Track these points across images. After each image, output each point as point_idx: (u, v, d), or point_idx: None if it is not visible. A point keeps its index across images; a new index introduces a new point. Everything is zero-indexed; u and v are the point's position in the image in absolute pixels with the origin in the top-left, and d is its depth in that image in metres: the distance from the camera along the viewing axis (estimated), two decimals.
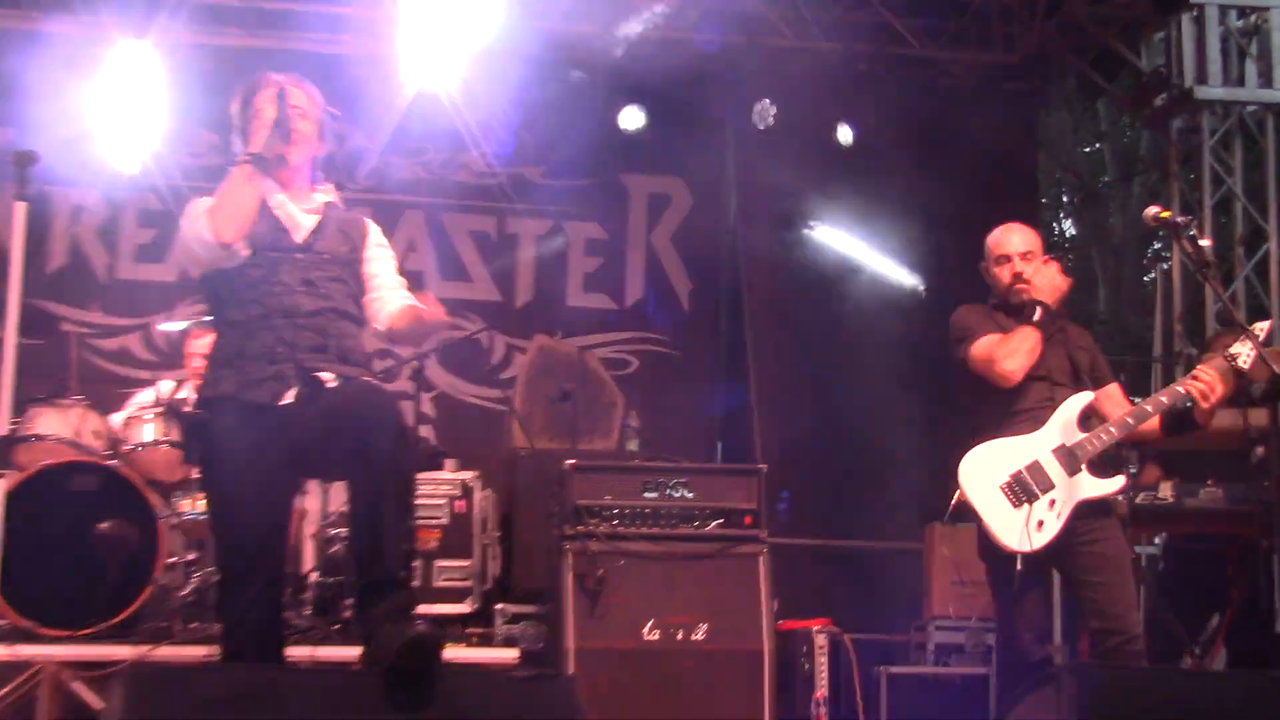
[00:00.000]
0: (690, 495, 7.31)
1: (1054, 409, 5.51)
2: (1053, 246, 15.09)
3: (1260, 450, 7.02)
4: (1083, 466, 5.43)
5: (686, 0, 9.31)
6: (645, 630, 7.01)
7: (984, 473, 5.44)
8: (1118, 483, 5.52)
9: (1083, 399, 5.56)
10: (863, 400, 9.65)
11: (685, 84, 9.79)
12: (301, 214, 4.97)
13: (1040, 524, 5.34)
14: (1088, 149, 17.02)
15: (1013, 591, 5.44)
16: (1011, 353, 5.47)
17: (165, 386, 7.94)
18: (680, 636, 7.00)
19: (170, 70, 8.67)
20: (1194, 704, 4.49)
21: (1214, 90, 10.29)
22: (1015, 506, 5.36)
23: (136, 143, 8.75)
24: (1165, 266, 12.21)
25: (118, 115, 8.65)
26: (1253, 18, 10.41)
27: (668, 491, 7.29)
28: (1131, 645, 5.27)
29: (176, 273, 9.32)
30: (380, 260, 5.13)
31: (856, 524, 9.66)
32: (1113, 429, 5.48)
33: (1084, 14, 9.81)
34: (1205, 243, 5.81)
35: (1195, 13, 10.23)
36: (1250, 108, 10.48)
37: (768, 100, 9.76)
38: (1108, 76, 10.62)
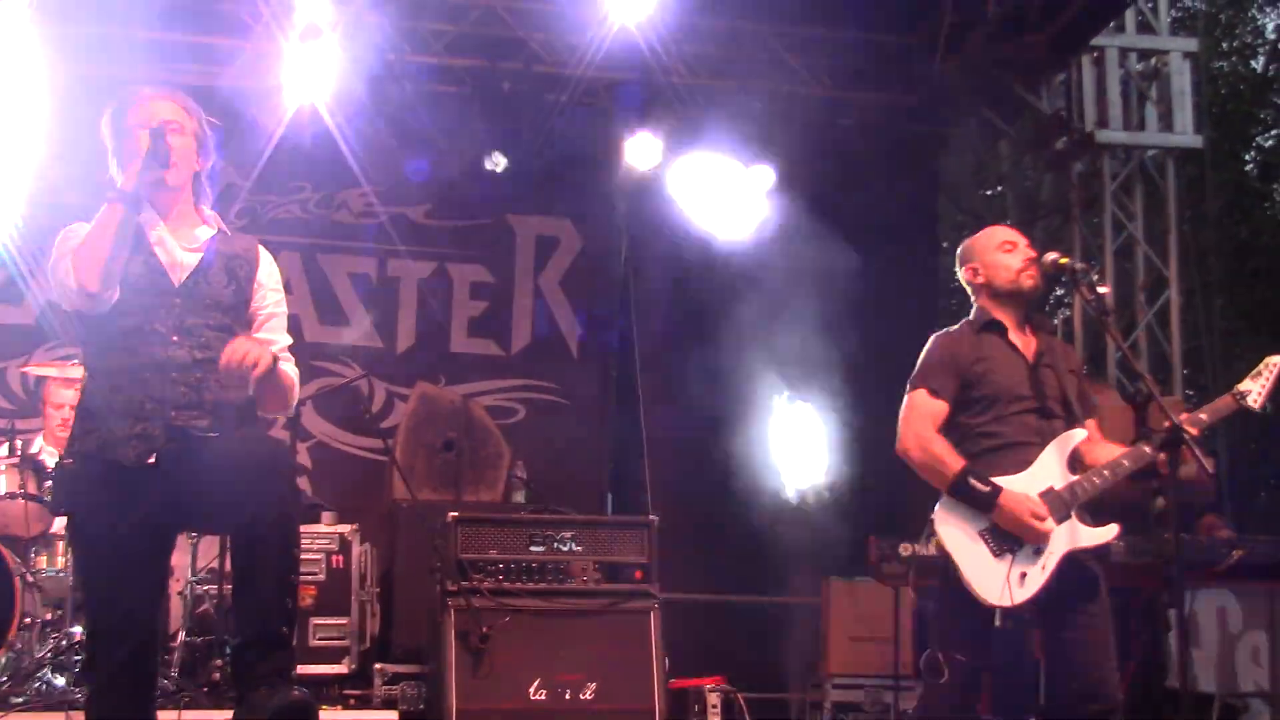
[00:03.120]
0: (579, 549, 7.36)
1: (1042, 445, 5.32)
2: (951, 293, 15.24)
3: (1161, 501, 7.13)
4: (1073, 513, 5.22)
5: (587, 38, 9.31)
6: (532, 690, 7.03)
7: (962, 516, 5.23)
8: (1111, 531, 5.26)
9: (1076, 436, 5.36)
10: (758, 449, 9.73)
11: (572, 122, 9.86)
12: (181, 251, 4.80)
13: (1023, 576, 5.13)
14: (989, 192, 17.24)
15: (987, 654, 5.25)
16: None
17: (28, 439, 7.84)
18: (568, 696, 7.03)
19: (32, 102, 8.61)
20: None
21: (1115, 134, 10.48)
22: (997, 556, 5.17)
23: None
24: (1066, 314, 12.41)
25: None
26: (1153, 61, 10.61)
27: (555, 545, 7.33)
28: (1114, 715, 5.10)
29: (35, 315, 9.21)
30: (265, 301, 4.98)
31: (751, 578, 9.69)
32: (1106, 472, 5.24)
33: (984, 54, 9.92)
34: (1104, 289, 5.84)
35: (1095, 55, 10.43)
36: (1151, 152, 10.68)
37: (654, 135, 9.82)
38: (1008, 119, 10.81)
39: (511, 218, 10.53)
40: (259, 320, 4.93)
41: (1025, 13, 9.67)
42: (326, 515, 8.34)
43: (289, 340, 4.97)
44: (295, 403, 4.99)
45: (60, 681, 6.91)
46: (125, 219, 4.65)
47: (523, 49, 9.74)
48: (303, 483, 9.38)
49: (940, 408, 5.45)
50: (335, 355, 9.97)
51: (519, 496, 8.59)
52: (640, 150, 9.81)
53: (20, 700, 6.76)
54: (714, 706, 7.33)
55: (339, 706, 7.37)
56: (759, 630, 9.53)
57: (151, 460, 4.62)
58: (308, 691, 4.44)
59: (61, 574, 7.14)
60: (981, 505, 5.24)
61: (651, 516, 7.60)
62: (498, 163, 9.81)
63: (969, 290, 5.70)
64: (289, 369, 4.89)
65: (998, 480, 5.24)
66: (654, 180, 9.93)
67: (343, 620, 7.92)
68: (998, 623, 5.16)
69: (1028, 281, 5.50)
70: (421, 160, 9.92)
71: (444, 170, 10.02)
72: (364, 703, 7.50)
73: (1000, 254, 5.55)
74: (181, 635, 7.43)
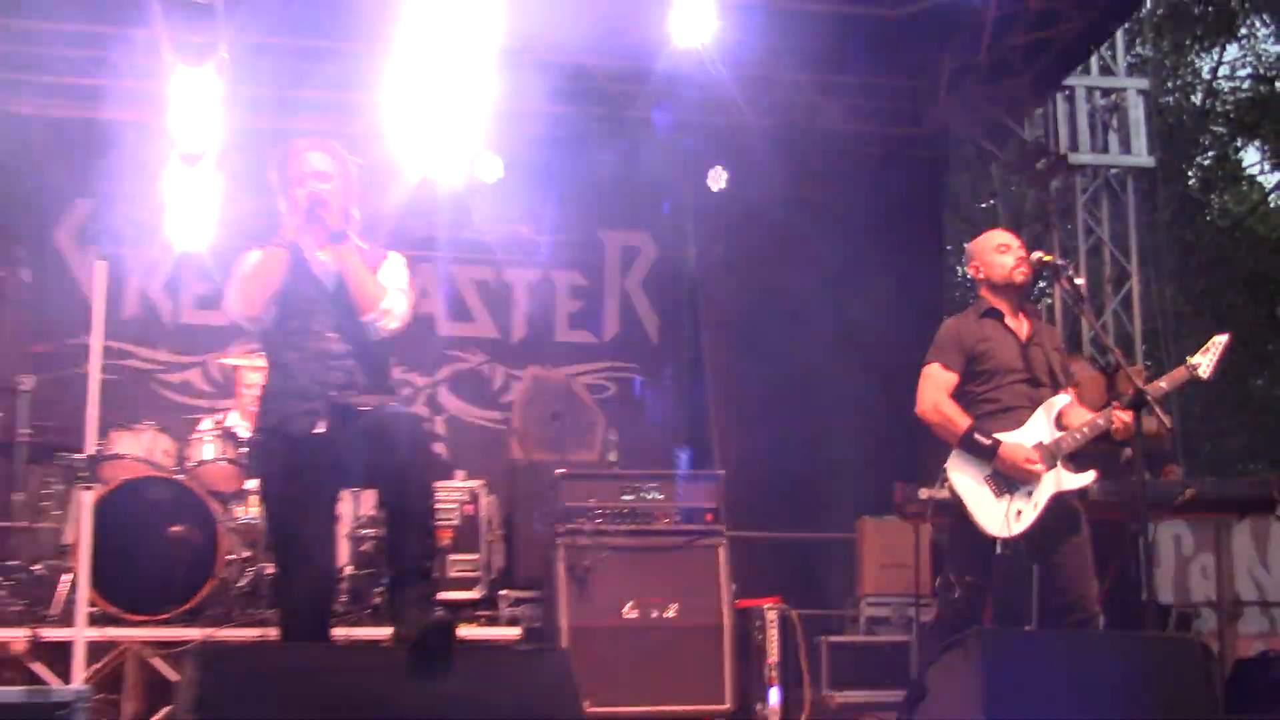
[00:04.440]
0: (660, 497, 7.36)
1: (1033, 408, 5.36)
2: (955, 286, 15.13)
3: (1128, 451, 7.07)
4: (1058, 462, 5.28)
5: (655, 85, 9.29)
6: (626, 610, 7.05)
7: (969, 465, 5.30)
8: (1090, 476, 5.35)
9: (1062, 400, 5.41)
10: (805, 414, 9.70)
11: (648, 153, 9.85)
12: (325, 267, 4.91)
13: (1019, 513, 5.20)
14: (983, 205, 17.18)
15: (989, 576, 5.30)
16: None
17: (222, 413, 7.92)
18: (655, 615, 7.06)
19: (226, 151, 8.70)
20: (1085, 660, 4.51)
21: (1084, 156, 10.39)
22: (998, 497, 5.23)
23: (193, 209, 8.74)
24: (1048, 302, 12.29)
25: (178, 185, 8.65)
26: (1113, 96, 10.53)
27: (641, 494, 7.34)
28: (1092, 623, 5.19)
29: (229, 318, 9.29)
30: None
31: (800, 518, 9.66)
32: (1085, 429, 5.31)
33: (978, 94, 9.88)
34: (1080, 281, 5.80)
35: (1067, 93, 10.34)
36: (1114, 170, 10.59)
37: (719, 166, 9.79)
38: (998, 145, 10.73)
39: (601, 232, 10.50)
40: None
41: (1010, 60, 9.60)
42: (459, 473, 8.36)
43: (400, 286, 4.97)
44: (387, 313, 4.91)
45: (257, 607, 6.99)
46: (285, 260, 4.79)
47: (607, 95, 9.75)
48: (440, 448, 9.43)
49: (951, 379, 5.48)
50: (463, 346, 10.02)
51: (612, 456, 8.57)
52: (710, 177, 9.77)
53: (228, 620, 6.86)
54: (772, 622, 7.30)
55: (473, 625, 7.38)
56: (807, 560, 9.53)
57: (318, 431, 4.67)
58: (448, 612, 4.47)
59: (254, 521, 7.20)
60: (985, 455, 5.27)
61: (719, 470, 7.61)
62: (718, 178, 9.77)
63: (976, 282, 5.70)
64: (389, 288, 4.89)
65: (997, 435, 5.27)
66: (722, 197, 9.86)
67: (474, 556, 7.93)
68: (999, 550, 5.22)
69: (1019, 276, 5.55)
70: (531, 186, 9.92)
71: (547, 195, 10.03)
72: (492, 622, 7.52)
73: (997, 254, 5.58)
74: (349, 569, 7.48)
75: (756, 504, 9.12)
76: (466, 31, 7.72)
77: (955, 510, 5.38)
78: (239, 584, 7.16)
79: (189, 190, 8.67)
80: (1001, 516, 5.22)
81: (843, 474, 9.37)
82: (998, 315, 5.54)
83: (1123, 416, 5.28)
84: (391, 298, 4.89)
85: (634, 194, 10.12)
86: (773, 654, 7.27)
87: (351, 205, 5.05)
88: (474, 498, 8.09)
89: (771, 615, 7.35)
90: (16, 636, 6.48)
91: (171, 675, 6.53)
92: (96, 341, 5.90)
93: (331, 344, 4.82)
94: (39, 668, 6.50)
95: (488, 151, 9.30)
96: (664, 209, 10.25)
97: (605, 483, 7.41)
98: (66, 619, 6.59)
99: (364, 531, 7.53)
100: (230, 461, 7.39)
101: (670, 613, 7.09)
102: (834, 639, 8.04)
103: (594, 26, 8.70)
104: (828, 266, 9.56)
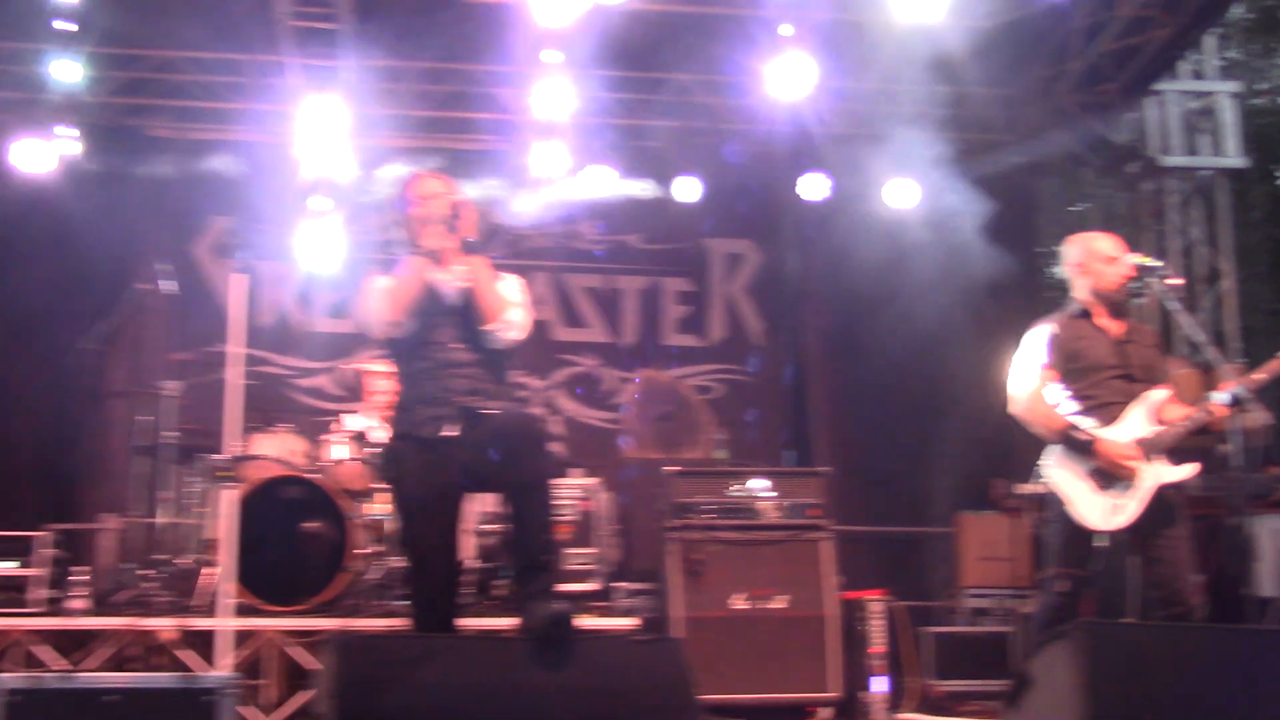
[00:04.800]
0: (768, 493, 7.30)
1: (1130, 403, 5.21)
2: (1049, 287, 14.82)
3: (1224, 447, 6.90)
4: (1158, 456, 5.13)
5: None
6: (735, 601, 7.03)
7: (1070, 460, 5.19)
8: (1190, 469, 5.18)
9: (1159, 395, 5.25)
10: (905, 413, 9.57)
11: (754, 164, 9.79)
12: (452, 281, 4.96)
13: (1120, 507, 5.08)
14: (1076, 208, 16.88)
15: (1091, 569, 5.16)
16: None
17: (351, 415, 8.00)
18: (763, 606, 7.02)
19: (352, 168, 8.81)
20: (1188, 654, 4.37)
21: (1176, 159, 10.17)
22: (1098, 491, 5.12)
23: (322, 224, 8.85)
24: (1142, 301, 12.00)
25: (308, 203, 8.77)
26: (1204, 100, 10.27)
27: (750, 490, 7.28)
28: (1192, 616, 5.02)
29: (357, 326, 9.45)
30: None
31: (902, 514, 9.53)
32: (1183, 423, 5.15)
33: (1070, 101, 9.70)
34: (1177, 281, 5.64)
35: (1159, 97, 10.11)
36: (1205, 172, 10.32)
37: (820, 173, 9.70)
38: (1091, 149, 10.51)
39: (706, 241, 10.45)
40: None
41: (1101, 67, 9.41)
42: (576, 471, 8.36)
43: (515, 300, 4.97)
44: (510, 322, 4.94)
45: (386, 598, 7.04)
46: (425, 266, 4.85)
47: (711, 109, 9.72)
48: (557, 447, 9.43)
49: (1047, 376, 5.35)
50: (577, 350, 10.04)
51: (719, 454, 8.53)
52: (810, 186, 9.67)
53: (360, 611, 6.92)
54: (876, 612, 7.22)
55: (590, 615, 7.37)
56: (909, 554, 9.40)
57: (446, 434, 4.72)
58: (569, 603, 4.47)
59: (384, 517, 7.25)
60: (1083, 451, 5.15)
61: (825, 468, 7.54)
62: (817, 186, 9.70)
63: (1070, 280, 5.56)
64: (510, 299, 4.91)
65: (1095, 431, 5.15)
66: (822, 207, 9.77)
67: (591, 550, 7.92)
68: (1100, 544, 5.10)
69: (1123, 286, 5.38)
70: (637, 200, 9.91)
71: (654, 207, 10.02)
72: (608, 613, 7.50)
73: (1106, 265, 5.44)
74: (474, 563, 7.51)
75: (859, 499, 9.02)
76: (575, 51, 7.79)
77: (1055, 505, 5.26)
78: (369, 577, 7.22)
79: (318, 207, 8.79)
80: (1102, 510, 5.10)
81: (941, 470, 9.23)
82: (1094, 316, 5.42)
83: (1220, 409, 5.13)
84: (514, 310, 4.93)
85: (738, 203, 10.07)
86: (878, 644, 7.18)
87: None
88: (590, 494, 8.09)
89: (876, 607, 7.27)
90: (165, 625, 6.60)
91: (307, 663, 6.61)
92: (236, 349, 5.98)
93: (457, 353, 4.88)
94: (186, 654, 6.60)
95: (686, 175, 9.35)
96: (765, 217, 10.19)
97: (714, 479, 7.37)
98: (210, 610, 6.70)
99: (487, 527, 7.55)
100: (360, 461, 7.46)
101: (778, 604, 7.04)
102: (937, 630, 7.90)
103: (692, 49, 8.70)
104: (926, 270, 9.41)
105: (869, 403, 9.69)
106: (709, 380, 10.20)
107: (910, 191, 9.49)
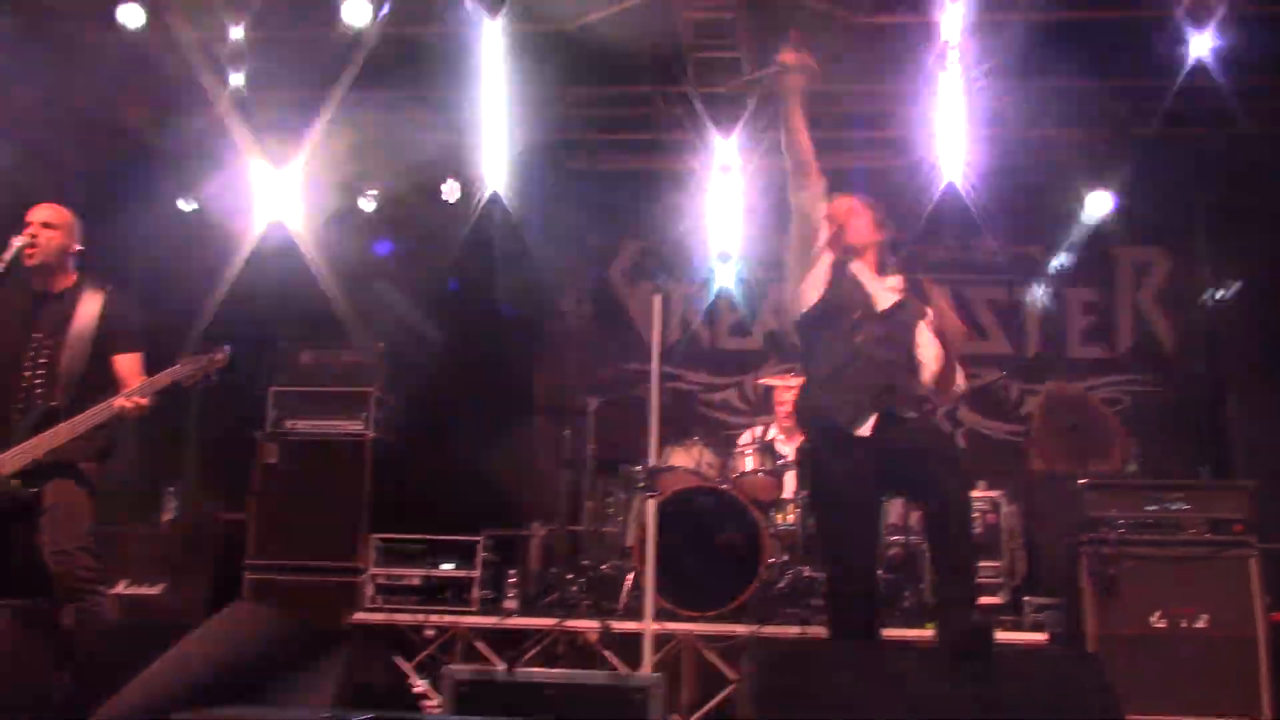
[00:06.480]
0: (1186, 507, 6.95)
1: None
2: None
3: None
4: None
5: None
6: (1153, 619, 6.71)
7: None
8: None
9: None
10: None
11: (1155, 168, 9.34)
12: (881, 290, 5.10)
13: None
14: None
15: None
16: None
17: (765, 429, 8.13)
18: (1184, 625, 6.67)
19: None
20: None
21: None
22: None
23: (727, 244, 9.06)
24: None
25: (713, 224, 9.01)
26: None
27: (1165, 504, 6.95)
28: None
29: (760, 342, 9.68)
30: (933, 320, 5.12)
31: None
32: None
33: None
34: None
35: None
36: None
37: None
38: None
39: (1113, 249, 10.03)
40: (924, 339, 5.09)
41: None
42: (979, 483, 8.19)
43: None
44: (957, 393, 5.04)
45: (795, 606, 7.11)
46: (835, 264, 5.07)
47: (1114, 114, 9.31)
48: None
49: None
50: (979, 363, 9.83)
51: (1131, 467, 8.15)
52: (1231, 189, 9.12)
53: (771, 618, 7.00)
54: None
55: (999, 629, 7.18)
56: None
57: (863, 432, 4.77)
58: (988, 614, 4.43)
59: (791, 527, 7.34)
60: None
61: (1250, 481, 7.11)
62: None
63: None
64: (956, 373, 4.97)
65: None
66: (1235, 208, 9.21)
67: (996, 563, 7.74)
68: None
69: None
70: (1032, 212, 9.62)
71: (1053, 217, 9.73)
72: (1017, 627, 7.30)
73: None
74: (879, 574, 7.48)
75: None
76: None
77: None
78: (779, 585, 7.32)
79: (723, 228, 9.01)
80: None
81: None
82: None
83: None
84: (959, 377, 5.03)
85: (1145, 210, 9.62)
86: None
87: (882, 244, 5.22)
88: (995, 507, 7.90)
89: None
90: (591, 627, 6.91)
91: (721, 667, 6.76)
92: (656, 367, 6.19)
93: (876, 351, 4.95)
94: (608, 655, 6.89)
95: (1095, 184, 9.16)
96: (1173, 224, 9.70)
97: (1128, 493, 7.07)
98: (630, 613, 6.97)
99: (892, 538, 7.52)
100: (768, 473, 7.57)
101: (1200, 623, 6.67)
102: None
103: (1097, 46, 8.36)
104: None
105: None
106: (1118, 392, 9.78)
107: None
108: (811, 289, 5.08)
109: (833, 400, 4.90)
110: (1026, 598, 7.51)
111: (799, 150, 5.01)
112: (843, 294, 5.03)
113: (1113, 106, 9.27)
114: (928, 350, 5.11)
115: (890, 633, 6.59)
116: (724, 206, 8.89)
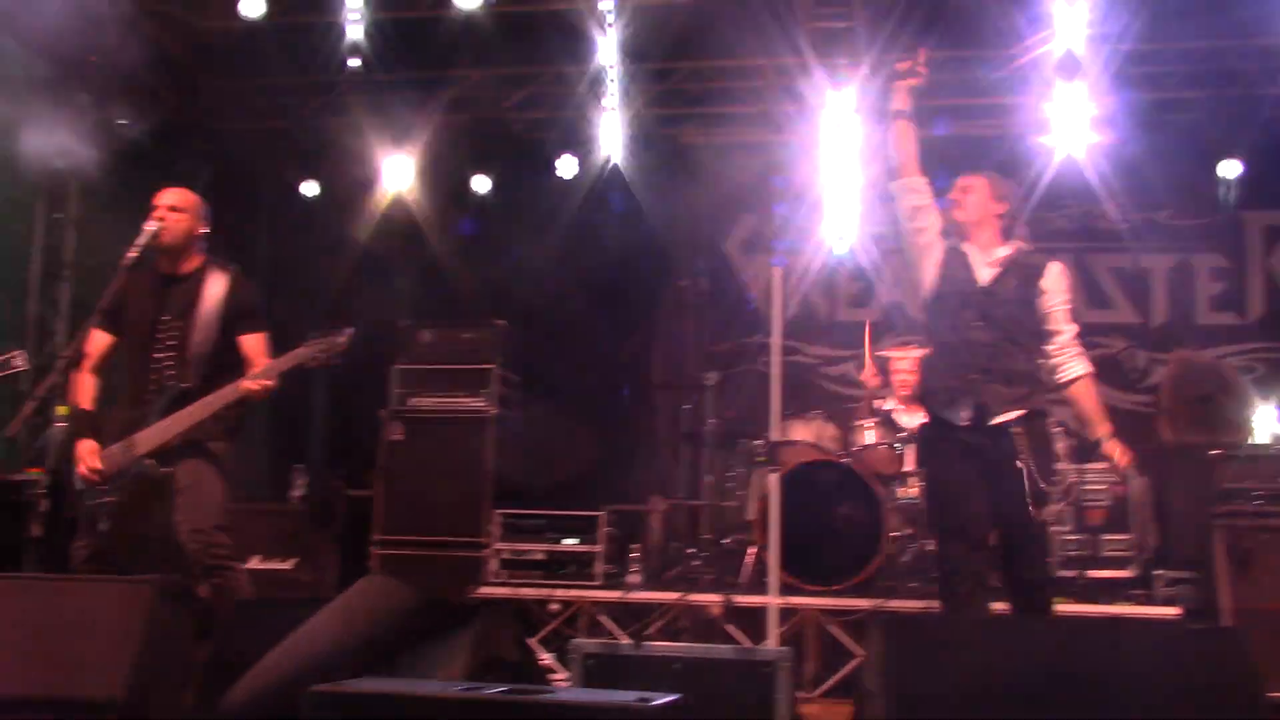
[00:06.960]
0: None
1: None
2: None
3: None
4: None
5: None
6: None
7: None
8: None
9: None
10: None
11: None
12: (984, 265, 5.03)
13: None
14: None
15: None
16: None
17: (884, 401, 8.04)
18: None
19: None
20: None
21: None
22: None
23: (844, 217, 8.96)
24: None
25: (829, 197, 8.92)
26: None
27: None
28: None
29: (878, 314, 9.57)
30: (1050, 302, 5.02)
31: None
32: None
33: None
34: None
35: None
36: None
37: None
38: None
39: (1243, 213, 9.71)
40: (1048, 314, 5.01)
41: None
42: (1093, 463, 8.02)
43: (1073, 329, 5.04)
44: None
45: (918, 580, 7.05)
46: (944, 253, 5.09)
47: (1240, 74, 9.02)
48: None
49: None
50: (1104, 332, 9.63)
51: (1267, 439, 7.91)
52: None
53: (894, 592, 6.96)
54: None
55: (1128, 604, 7.05)
56: None
57: (963, 420, 4.79)
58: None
59: (914, 502, 7.26)
60: None
61: None
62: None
63: None
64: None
65: None
66: None
67: (1126, 536, 7.58)
68: None
69: None
70: (1153, 174, 9.35)
71: (1180, 181, 9.46)
72: (1148, 601, 7.15)
73: None
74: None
75: None
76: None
77: None
78: (902, 559, 7.26)
79: (839, 200, 8.92)
80: None
81: None
82: None
83: None
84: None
85: (1275, 174, 9.32)
86: None
87: (1005, 213, 5.15)
88: (1124, 478, 7.73)
89: None
90: (714, 600, 6.91)
91: (845, 641, 6.73)
92: (777, 341, 6.15)
93: (980, 333, 4.90)
94: (731, 629, 6.89)
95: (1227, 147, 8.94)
96: None
97: (1265, 464, 6.87)
98: (753, 587, 6.96)
99: None
100: (889, 446, 7.50)
101: None
102: None
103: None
104: None
105: None
106: (1251, 360, 9.50)
107: None
108: (928, 274, 5.09)
109: (934, 385, 4.96)
110: (1157, 571, 7.35)
111: (901, 156, 5.07)
112: (951, 276, 5.02)
113: (1241, 67, 8.99)
114: (1054, 298, 5.01)
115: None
116: (840, 178, 8.77)
